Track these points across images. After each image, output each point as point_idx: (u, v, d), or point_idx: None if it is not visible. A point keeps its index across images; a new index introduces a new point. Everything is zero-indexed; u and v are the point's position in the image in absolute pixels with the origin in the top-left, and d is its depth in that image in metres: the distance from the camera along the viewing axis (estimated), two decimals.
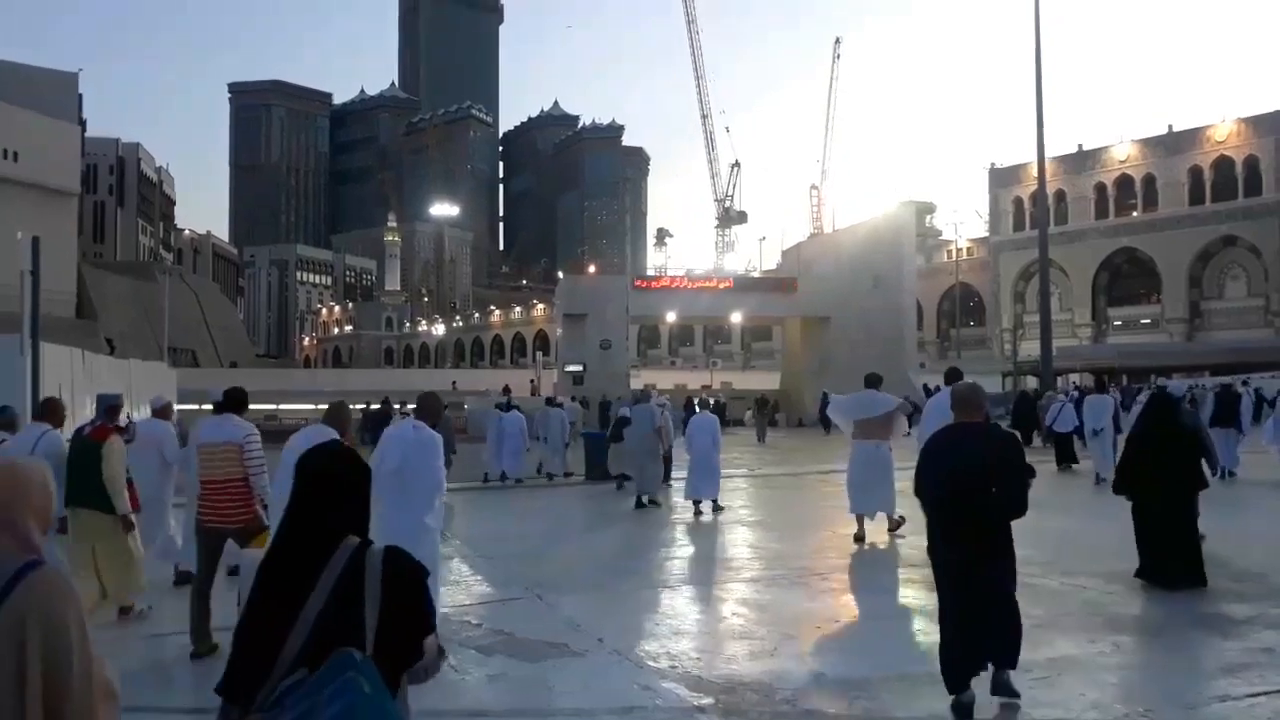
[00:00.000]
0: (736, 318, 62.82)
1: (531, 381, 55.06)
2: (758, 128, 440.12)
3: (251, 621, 2.28)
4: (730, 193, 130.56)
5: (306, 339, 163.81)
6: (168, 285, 72.90)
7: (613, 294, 53.96)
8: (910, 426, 12.68)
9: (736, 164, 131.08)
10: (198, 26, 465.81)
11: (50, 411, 8.00)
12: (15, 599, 2.05)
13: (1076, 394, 27.19)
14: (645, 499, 15.16)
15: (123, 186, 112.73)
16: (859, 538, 11.28)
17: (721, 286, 55.85)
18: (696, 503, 14.26)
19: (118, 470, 7.35)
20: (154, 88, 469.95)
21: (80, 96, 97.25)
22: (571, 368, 53.18)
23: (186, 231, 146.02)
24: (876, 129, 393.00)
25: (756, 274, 73.74)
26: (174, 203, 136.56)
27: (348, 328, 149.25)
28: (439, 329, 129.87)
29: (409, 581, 2.29)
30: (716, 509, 14.20)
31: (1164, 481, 8.34)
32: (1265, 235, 66.86)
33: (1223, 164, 69.37)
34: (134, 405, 26.14)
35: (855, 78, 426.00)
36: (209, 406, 11.04)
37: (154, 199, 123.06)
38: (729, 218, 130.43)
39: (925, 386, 48.20)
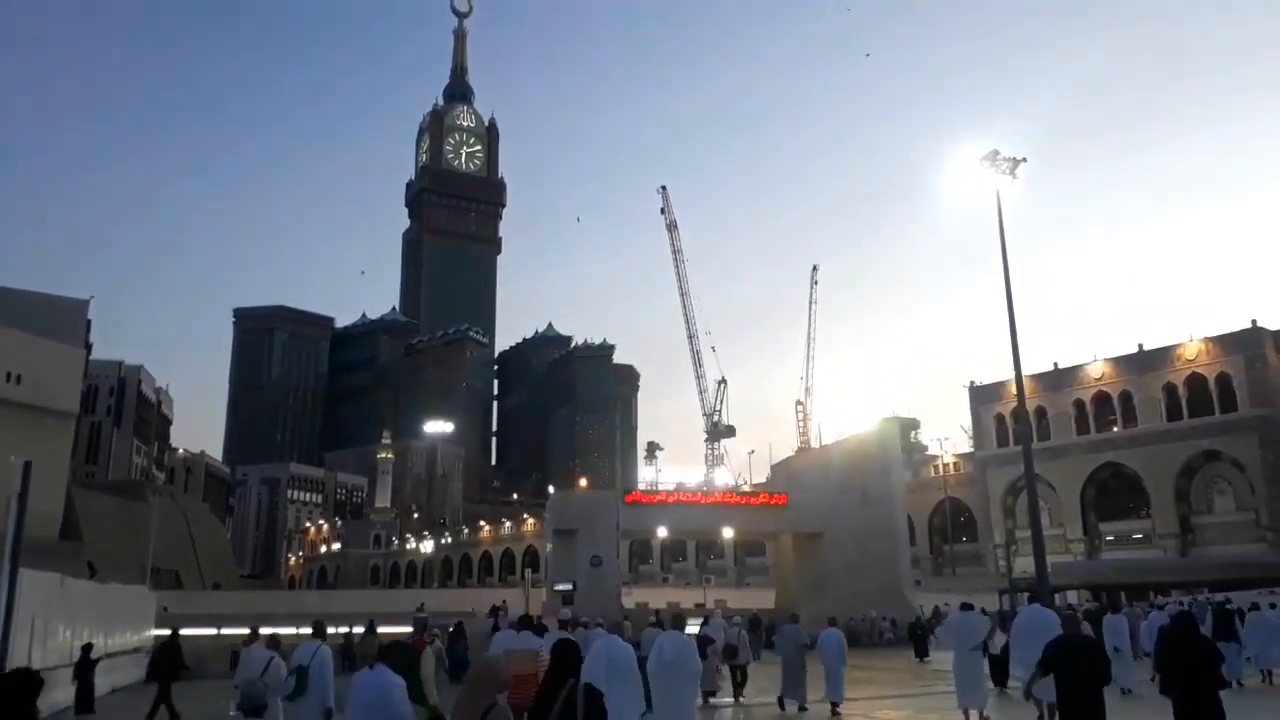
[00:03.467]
0: (728, 533, 62.33)
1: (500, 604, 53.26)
2: (743, 343, 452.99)
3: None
4: (718, 407, 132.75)
5: (293, 558, 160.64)
6: (157, 505, 72.48)
7: (603, 509, 53.30)
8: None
9: (723, 380, 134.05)
10: (212, 255, 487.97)
11: (319, 630, 11.67)
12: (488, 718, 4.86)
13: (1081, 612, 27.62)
14: (788, 704, 17.82)
15: (121, 407, 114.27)
16: None
17: (713, 501, 55.87)
18: (834, 704, 17.23)
19: (430, 672, 10.41)
20: (165, 312, 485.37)
21: (89, 322, 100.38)
22: (561, 586, 51.53)
23: (181, 451, 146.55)
24: (857, 346, 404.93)
25: (747, 488, 73.84)
26: (170, 422, 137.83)
27: (335, 545, 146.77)
28: (428, 546, 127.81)
29: (596, 700, 5.64)
30: (835, 713, 17.03)
31: (1196, 683, 10.16)
32: (1246, 450, 67.74)
33: (1196, 381, 71.27)
34: (106, 632, 25.50)
35: (835, 297, 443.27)
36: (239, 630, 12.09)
37: (151, 419, 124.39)
38: (718, 432, 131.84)
39: (937, 608, 47.32)
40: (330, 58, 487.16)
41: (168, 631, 22.20)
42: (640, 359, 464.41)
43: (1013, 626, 15.02)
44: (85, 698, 19.55)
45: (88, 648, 20.58)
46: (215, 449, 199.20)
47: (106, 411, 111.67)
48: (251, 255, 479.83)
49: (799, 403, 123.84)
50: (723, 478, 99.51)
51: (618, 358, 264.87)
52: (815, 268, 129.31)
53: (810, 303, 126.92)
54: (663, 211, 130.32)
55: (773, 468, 65.67)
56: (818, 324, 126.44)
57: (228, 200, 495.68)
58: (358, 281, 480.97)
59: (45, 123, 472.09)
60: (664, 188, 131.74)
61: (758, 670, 22.71)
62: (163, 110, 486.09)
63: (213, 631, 40.32)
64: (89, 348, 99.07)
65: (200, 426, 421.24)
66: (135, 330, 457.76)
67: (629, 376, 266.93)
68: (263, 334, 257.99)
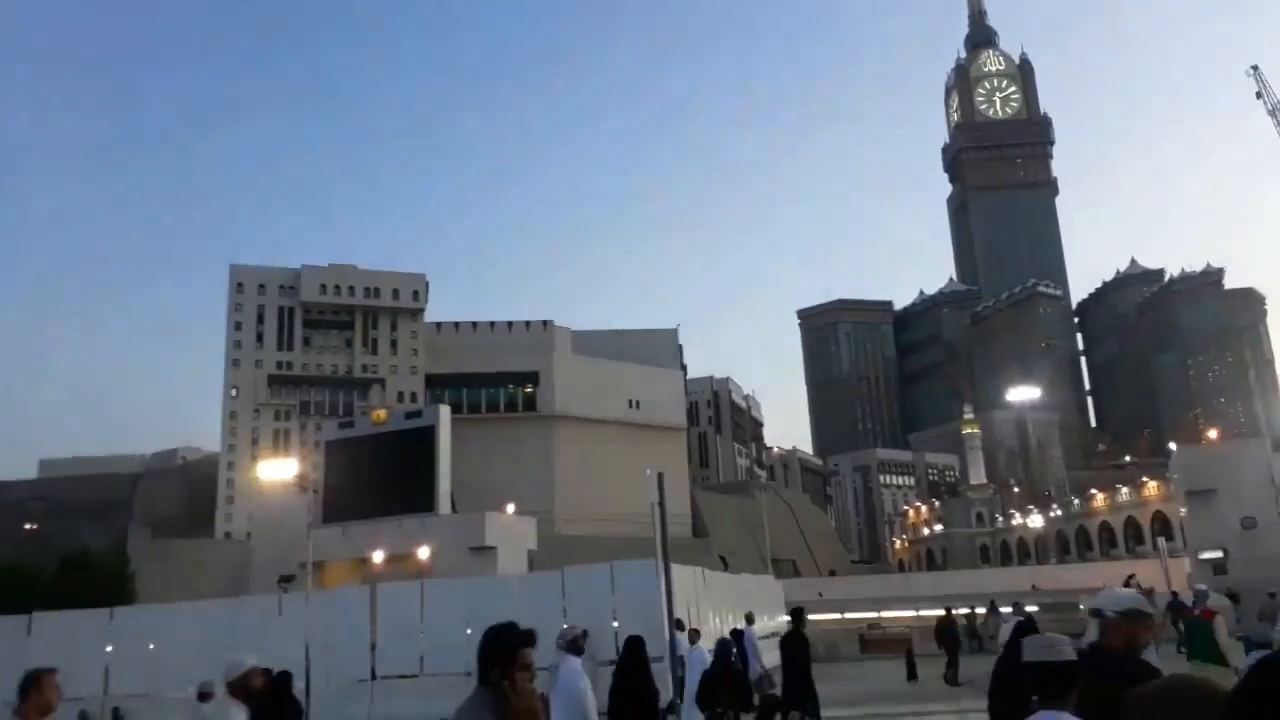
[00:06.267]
0: None
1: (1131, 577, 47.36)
2: None
3: None
4: None
5: (897, 541, 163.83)
6: (764, 501, 78.31)
7: (1247, 461, 47.55)
8: None
9: None
10: (773, 265, 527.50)
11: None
12: None
13: None
14: None
15: (719, 416, 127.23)
16: None
17: None
18: None
19: (1225, 638, 10.94)
20: (739, 323, 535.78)
21: (680, 347, 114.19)
22: (1208, 554, 46.89)
23: (775, 449, 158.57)
24: None
25: None
26: (761, 424, 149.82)
27: (937, 527, 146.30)
28: (1035, 520, 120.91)
29: None
30: None
31: None
32: None
33: None
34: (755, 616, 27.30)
35: None
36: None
37: (744, 424, 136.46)
38: None
39: None
40: (835, 51, 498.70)
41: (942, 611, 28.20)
42: (1261, 278, 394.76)
43: None
44: None
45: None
46: (804, 443, 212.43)
47: (708, 421, 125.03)
48: (809, 255, 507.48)
49: None
50: None
51: (1229, 282, 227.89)
52: None
53: None
54: (1259, 96, 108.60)
55: None
56: None
57: (762, 214, 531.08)
58: (909, 261, 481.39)
59: (585, 165, 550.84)
60: (1256, 68, 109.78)
61: None
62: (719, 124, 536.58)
63: (836, 616, 41.55)
64: (684, 369, 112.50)
65: (787, 424, 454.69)
66: (712, 344, 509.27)
67: (1249, 302, 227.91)
68: (826, 329, 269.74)
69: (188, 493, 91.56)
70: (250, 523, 65.14)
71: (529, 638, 4.05)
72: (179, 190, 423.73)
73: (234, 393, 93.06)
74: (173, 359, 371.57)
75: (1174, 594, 30.89)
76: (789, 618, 15.40)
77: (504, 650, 3.91)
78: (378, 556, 45.55)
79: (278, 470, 52.22)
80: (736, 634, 18.17)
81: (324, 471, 54.02)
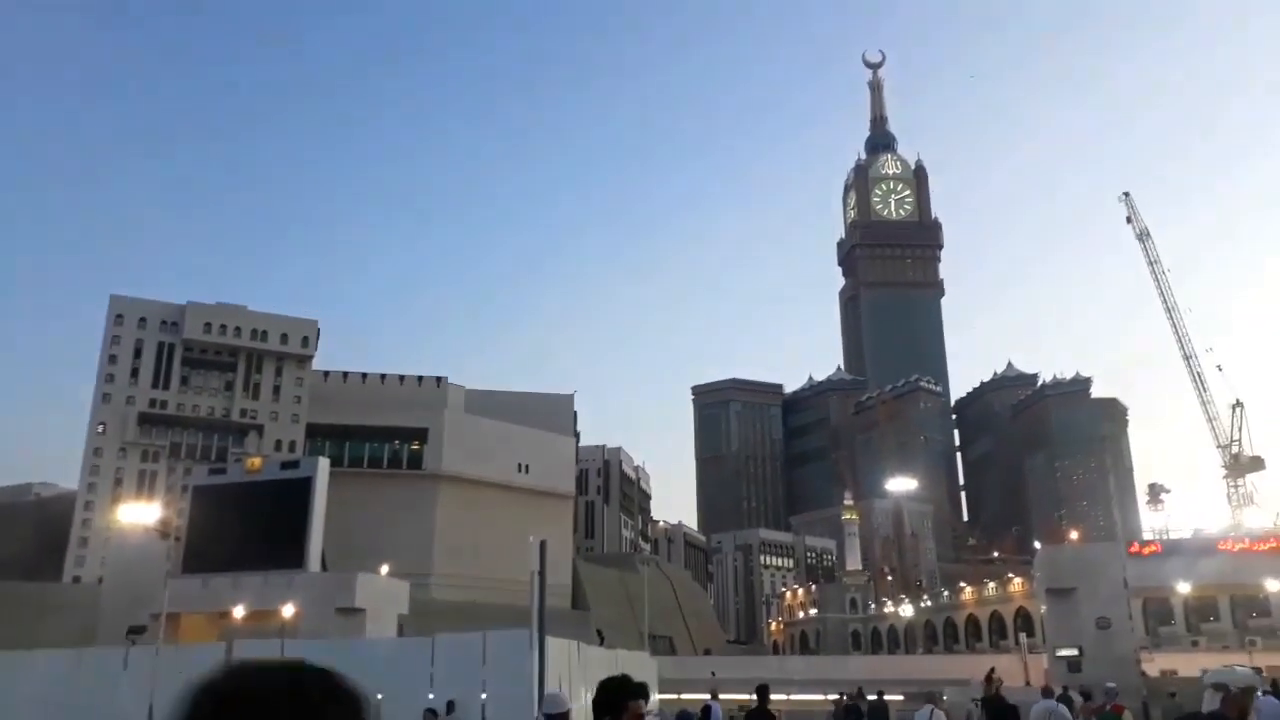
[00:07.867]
0: (1277, 585, 51.98)
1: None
2: (1262, 356, 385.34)
3: None
4: (1236, 437, 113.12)
5: (773, 623, 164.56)
6: (646, 575, 77.98)
7: (1105, 564, 50.10)
8: None
9: (1239, 404, 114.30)
10: (671, 341, 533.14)
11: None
12: None
13: None
14: None
15: (608, 486, 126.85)
16: None
17: (1249, 549, 47.35)
18: None
19: None
20: (634, 395, 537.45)
21: (575, 413, 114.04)
22: (1065, 651, 48.23)
23: (661, 523, 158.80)
24: None
25: None
26: (650, 497, 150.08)
27: (812, 610, 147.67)
28: (906, 610, 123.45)
29: None
30: None
31: None
32: None
33: None
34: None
35: None
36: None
37: (633, 494, 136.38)
38: (1239, 465, 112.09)
39: None
40: (742, 142, 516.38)
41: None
42: (1125, 390, 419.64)
43: None
44: None
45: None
46: (690, 519, 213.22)
47: (597, 491, 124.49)
48: (706, 336, 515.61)
49: None
50: (1256, 520, 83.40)
51: (1097, 391, 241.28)
52: None
53: None
54: (1129, 220, 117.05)
55: None
56: None
57: (663, 290, 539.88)
58: (801, 347, 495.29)
59: (490, 225, 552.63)
60: (1127, 194, 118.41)
61: None
62: (627, 197, 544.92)
63: (705, 696, 41.20)
64: (577, 435, 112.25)
65: (675, 498, 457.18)
66: (607, 413, 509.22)
67: (1114, 411, 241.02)
68: (718, 407, 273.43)
69: (37, 532, 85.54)
70: (104, 567, 61.20)
71: (642, 689, 4.41)
72: (63, 213, 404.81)
73: (100, 429, 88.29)
74: (38, 390, 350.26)
75: (1064, 688, 32.04)
76: (755, 695, 16.24)
77: (616, 702, 4.24)
78: (239, 611, 43.38)
79: (139, 514, 49.58)
80: (705, 709, 19.37)
81: (189, 518, 51.37)
